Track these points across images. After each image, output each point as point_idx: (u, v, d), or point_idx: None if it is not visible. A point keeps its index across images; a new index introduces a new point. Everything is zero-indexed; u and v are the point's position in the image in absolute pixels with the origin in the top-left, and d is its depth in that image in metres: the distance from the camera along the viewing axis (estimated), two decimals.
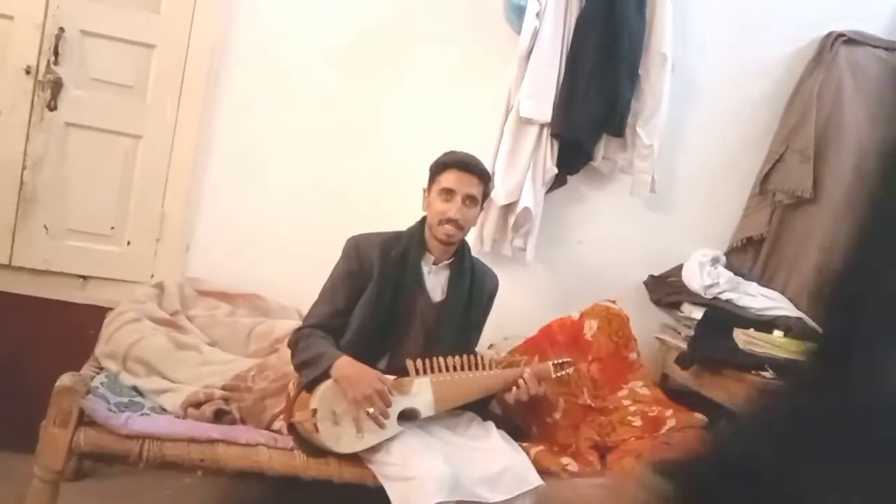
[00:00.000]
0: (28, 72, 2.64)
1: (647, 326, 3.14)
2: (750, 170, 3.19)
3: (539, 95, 2.81)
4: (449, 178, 2.21)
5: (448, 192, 2.20)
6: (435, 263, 2.29)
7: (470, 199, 2.21)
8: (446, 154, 2.26)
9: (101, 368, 2.36)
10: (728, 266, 3.10)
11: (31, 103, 2.66)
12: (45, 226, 2.72)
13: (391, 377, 2.11)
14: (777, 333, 2.79)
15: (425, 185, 2.30)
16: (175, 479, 2.82)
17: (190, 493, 2.80)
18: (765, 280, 3.13)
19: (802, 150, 3.04)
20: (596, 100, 2.84)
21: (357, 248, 2.25)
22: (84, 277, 2.81)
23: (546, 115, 2.83)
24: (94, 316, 2.60)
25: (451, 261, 2.31)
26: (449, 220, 2.19)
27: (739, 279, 2.99)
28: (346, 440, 2.05)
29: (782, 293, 3.05)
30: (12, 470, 2.20)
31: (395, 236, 2.29)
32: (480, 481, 2.03)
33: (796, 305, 2.97)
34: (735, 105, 3.18)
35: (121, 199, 2.81)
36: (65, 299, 2.76)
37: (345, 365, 2.07)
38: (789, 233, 3.12)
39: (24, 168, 2.68)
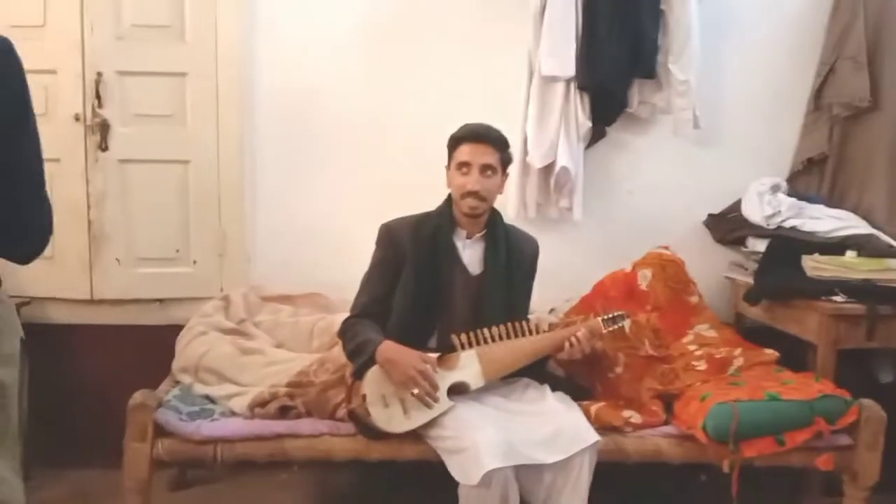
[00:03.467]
0: (77, 118, 2.84)
1: (714, 267, 3.05)
2: (801, 88, 3.01)
3: (559, 51, 2.77)
4: (463, 152, 2.22)
5: (464, 165, 2.22)
6: (468, 238, 2.30)
7: (488, 169, 2.21)
8: (460, 128, 2.26)
9: (178, 382, 2.52)
10: (793, 191, 2.95)
11: (84, 147, 2.86)
12: (116, 258, 2.93)
13: (434, 355, 2.15)
14: (850, 254, 2.64)
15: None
16: (271, 477, 2.99)
17: (287, 487, 2.96)
18: (835, 200, 2.95)
19: (854, 56, 2.84)
20: (619, 44, 2.77)
21: (389, 234, 2.29)
22: (160, 300, 3.00)
23: (569, 69, 2.78)
24: (173, 335, 2.74)
25: (484, 232, 2.31)
26: (469, 193, 2.20)
27: (804, 204, 2.83)
28: (397, 421, 2.11)
29: (855, 211, 2.88)
30: (118, 485, 2.38)
31: (425, 216, 2.32)
32: (535, 444, 2.04)
33: (870, 222, 2.80)
34: (773, 23, 3.02)
35: (181, 223, 2.97)
36: (145, 323, 2.97)
37: (387, 349, 2.12)
38: (854, 147, 2.93)
39: (88, 208, 2.88)
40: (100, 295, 2.93)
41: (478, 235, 2.31)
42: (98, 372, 2.95)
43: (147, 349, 2.85)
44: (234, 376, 2.48)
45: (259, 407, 2.30)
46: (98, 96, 2.83)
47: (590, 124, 2.86)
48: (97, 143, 2.86)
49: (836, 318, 2.45)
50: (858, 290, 2.47)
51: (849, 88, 2.85)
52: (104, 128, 2.85)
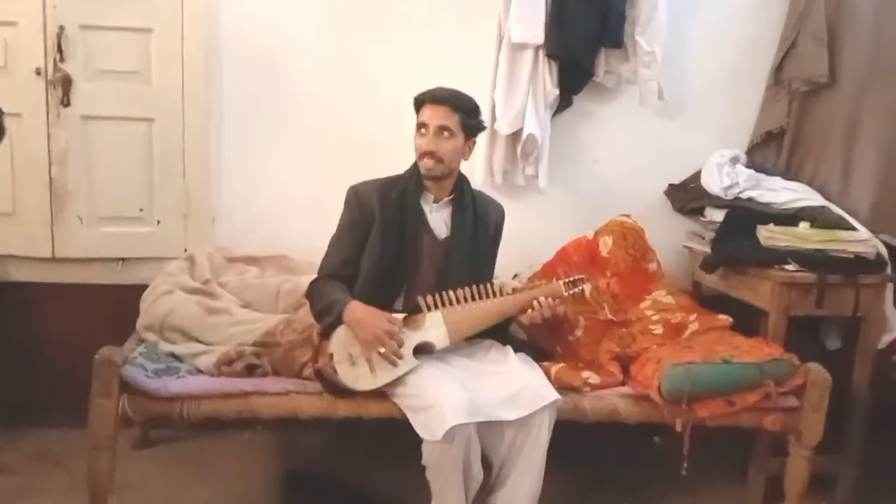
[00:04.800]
0: (38, 73, 2.78)
1: (674, 236, 3.13)
2: (763, 64, 3.08)
3: (528, 18, 2.78)
4: (423, 114, 2.26)
5: (422, 126, 2.25)
6: (435, 202, 2.33)
7: (444, 130, 2.22)
8: (424, 91, 2.28)
9: (143, 340, 2.52)
10: (751, 163, 3.03)
11: (46, 102, 2.80)
12: (78, 217, 2.89)
13: (401, 315, 2.19)
14: (803, 225, 2.73)
15: None
16: (235, 437, 3.02)
17: (250, 446, 3.00)
18: (792, 173, 3.04)
19: (815, 33, 2.91)
20: (587, 14, 2.79)
21: (357, 196, 2.31)
22: (122, 260, 2.97)
23: (538, 36, 2.80)
24: (137, 294, 2.72)
25: (451, 197, 2.34)
26: (424, 153, 2.23)
27: (761, 176, 2.92)
28: (364, 379, 2.15)
29: (810, 184, 2.97)
30: (80, 445, 2.37)
31: (393, 179, 2.34)
32: (498, 402, 2.10)
33: (824, 195, 2.89)
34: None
35: (144, 182, 2.94)
36: (107, 282, 2.95)
37: (354, 309, 2.15)
38: (811, 121, 3.02)
39: (50, 165, 2.84)
40: (62, 253, 2.90)
41: (445, 200, 2.33)
42: (60, 331, 2.94)
43: (109, 308, 2.85)
44: (200, 335, 2.49)
45: (225, 365, 2.31)
46: (60, 50, 2.77)
47: (557, 92, 2.89)
48: (59, 99, 2.80)
49: (788, 286, 2.55)
50: (810, 259, 2.56)
51: (808, 64, 2.92)
52: (66, 83, 2.80)
